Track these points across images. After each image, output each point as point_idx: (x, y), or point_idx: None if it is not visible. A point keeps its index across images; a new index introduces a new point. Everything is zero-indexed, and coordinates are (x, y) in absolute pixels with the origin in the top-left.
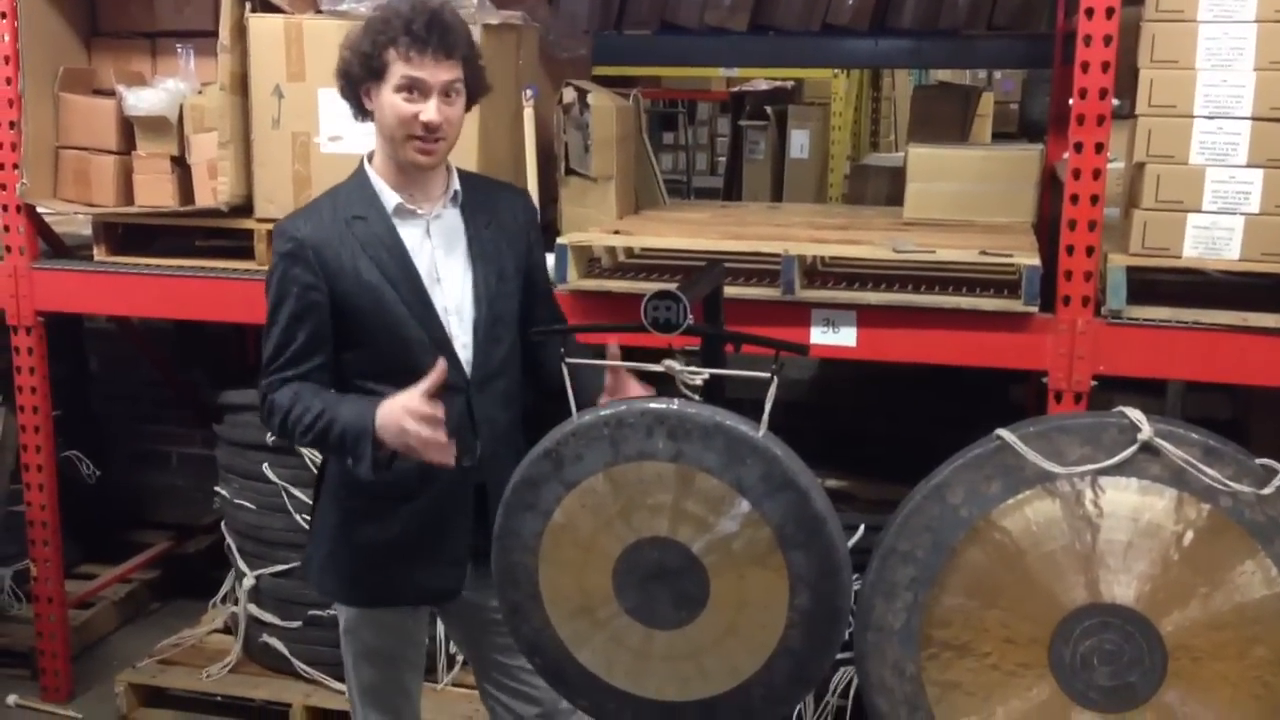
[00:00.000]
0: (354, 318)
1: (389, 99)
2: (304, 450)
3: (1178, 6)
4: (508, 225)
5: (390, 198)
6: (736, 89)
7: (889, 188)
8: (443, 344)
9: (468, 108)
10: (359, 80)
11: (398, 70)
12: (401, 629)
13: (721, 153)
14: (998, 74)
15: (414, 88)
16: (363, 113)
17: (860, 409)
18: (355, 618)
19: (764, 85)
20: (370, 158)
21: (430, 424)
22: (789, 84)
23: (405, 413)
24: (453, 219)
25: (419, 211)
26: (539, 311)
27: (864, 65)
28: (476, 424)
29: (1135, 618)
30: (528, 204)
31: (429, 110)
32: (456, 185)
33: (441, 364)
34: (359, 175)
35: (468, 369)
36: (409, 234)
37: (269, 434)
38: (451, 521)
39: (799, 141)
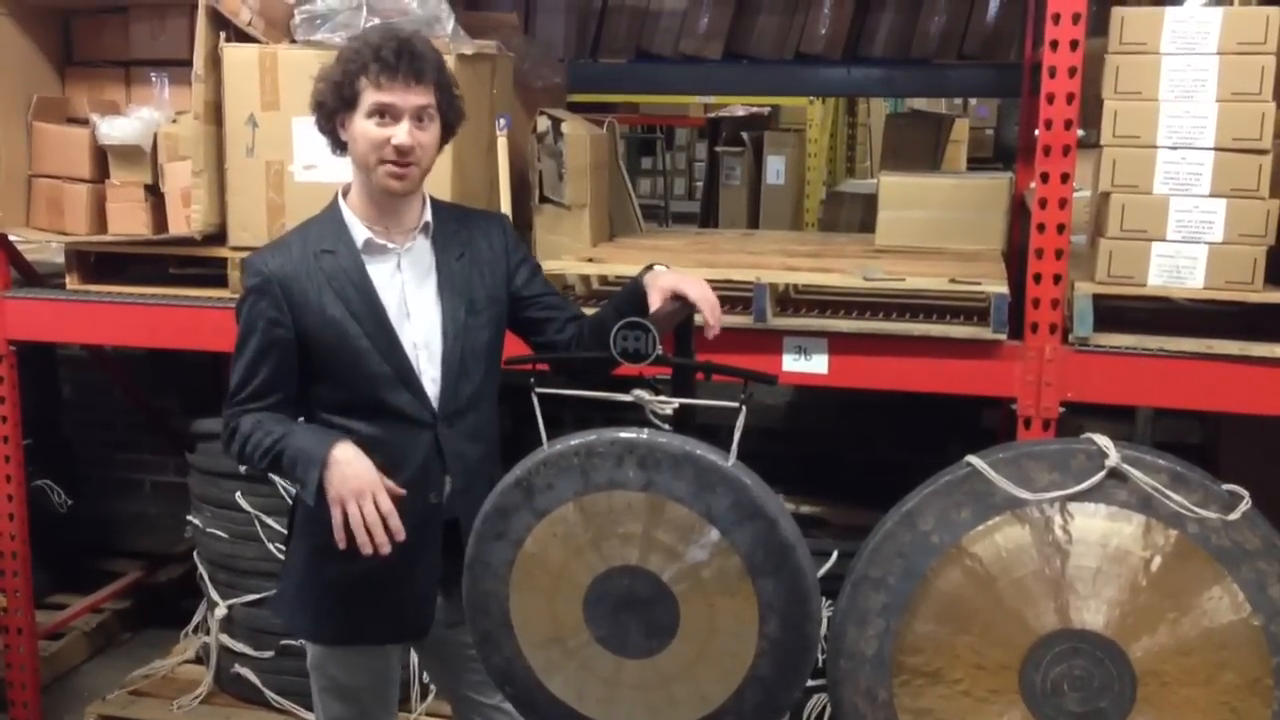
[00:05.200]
0: (319, 352)
1: (361, 125)
2: (277, 479)
3: (1141, 39)
4: (483, 255)
5: (360, 232)
6: (713, 115)
7: (863, 214)
8: (408, 379)
9: (446, 138)
10: (333, 111)
11: (369, 97)
12: (369, 666)
13: (699, 178)
14: (973, 100)
15: (385, 112)
16: (339, 145)
17: (834, 433)
18: (323, 653)
19: (741, 111)
20: (345, 192)
21: (381, 522)
22: (765, 110)
23: (369, 494)
24: (424, 251)
25: (389, 246)
26: (545, 317)
27: (837, 94)
28: (445, 459)
29: (1105, 643)
30: (505, 228)
31: (400, 133)
32: (428, 217)
33: (401, 491)
34: (331, 209)
35: (435, 404)
36: (379, 269)
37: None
38: (420, 558)
39: (775, 167)
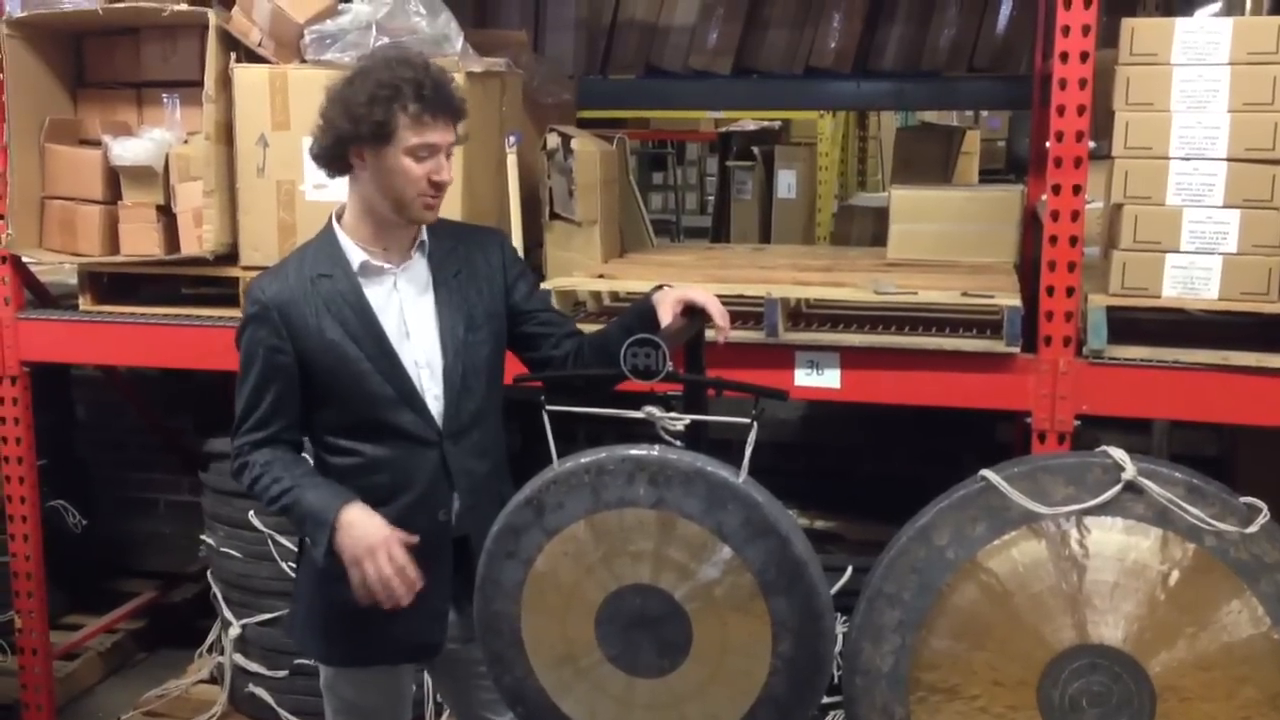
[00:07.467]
0: (320, 376)
1: (399, 162)
2: None
3: (1152, 50)
4: (480, 271)
5: (356, 255)
6: (724, 129)
7: (874, 228)
8: (411, 398)
9: None
10: (353, 140)
11: (409, 135)
12: (381, 685)
13: (710, 192)
14: (984, 112)
15: (426, 150)
16: (340, 170)
17: (848, 448)
18: (334, 674)
19: (751, 125)
20: (339, 215)
21: (399, 575)
22: (776, 124)
23: (382, 550)
24: (420, 270)
25: (385, 267)
26: (541, 332)
27: (847, 107)
28: (452, 476)
29: (1123, 659)
30: (504, 244)
31: (443, 171)
32: (424, 235)
33: (413, 539)
34: (326, 233)
35: (439, 421)
36: (376, 290)
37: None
38: (430, 576)
39: (786, 181)
